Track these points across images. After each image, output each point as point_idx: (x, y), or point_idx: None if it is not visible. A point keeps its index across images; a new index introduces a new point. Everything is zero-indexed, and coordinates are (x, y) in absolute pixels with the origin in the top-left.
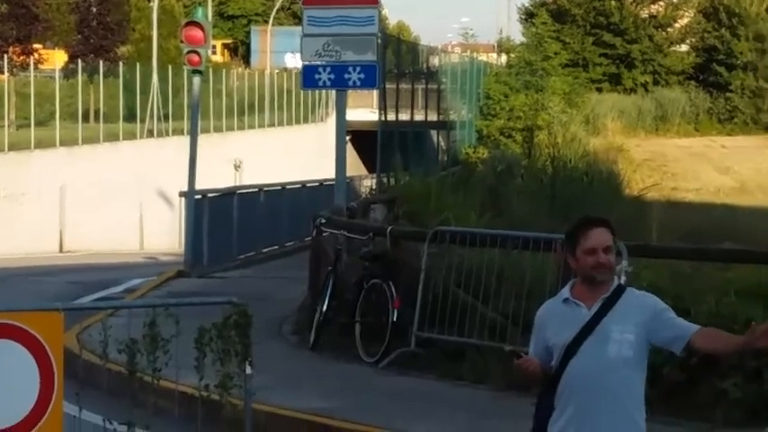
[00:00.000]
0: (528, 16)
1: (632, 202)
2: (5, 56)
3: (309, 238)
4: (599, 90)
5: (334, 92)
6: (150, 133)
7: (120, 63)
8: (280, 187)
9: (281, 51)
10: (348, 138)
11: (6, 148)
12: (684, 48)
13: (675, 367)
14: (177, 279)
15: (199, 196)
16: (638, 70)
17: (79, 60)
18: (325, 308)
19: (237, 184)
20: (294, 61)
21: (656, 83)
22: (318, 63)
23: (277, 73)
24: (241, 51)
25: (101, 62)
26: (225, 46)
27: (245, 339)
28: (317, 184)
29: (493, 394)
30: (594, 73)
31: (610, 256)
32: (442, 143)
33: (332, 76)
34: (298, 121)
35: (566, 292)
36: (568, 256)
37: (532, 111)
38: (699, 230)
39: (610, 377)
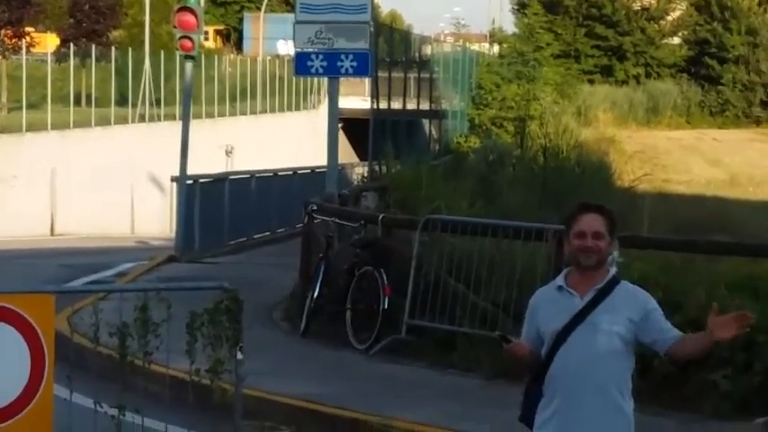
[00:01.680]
0: (520, 7)
1: (623, 194)
2: None
3: (301, 225)
4: (591, 82)
5: (326, 79)
6: (142, 118)
7: (113, 48)
8: (271, 174)
9: (273, 38)
10: (340, 125)
11: None
12: (676, 41)
13: (666, 360)
14: (168, 264)
15: (190, 181)
16: (630, 62)
17: (71, 44)
18: (316, 295)
19: (229, 169)
20: (286, 48)
21: (647, 75)
22: (311, 50)
23: (269, 60)
24: (233, 38)
25: (93, 46)
26: (217, 32)
27: (236, 325)
28: (308, 170)
29: (482, 382)
30: (586, 64)
31: (599, 242)
32: (434, 132)
33: (324, 64)
34: (290, 108)
35: (560, 279)
36: (564, 242)
37: (524, 101)
38: (690, 222)
39: (598, 367)
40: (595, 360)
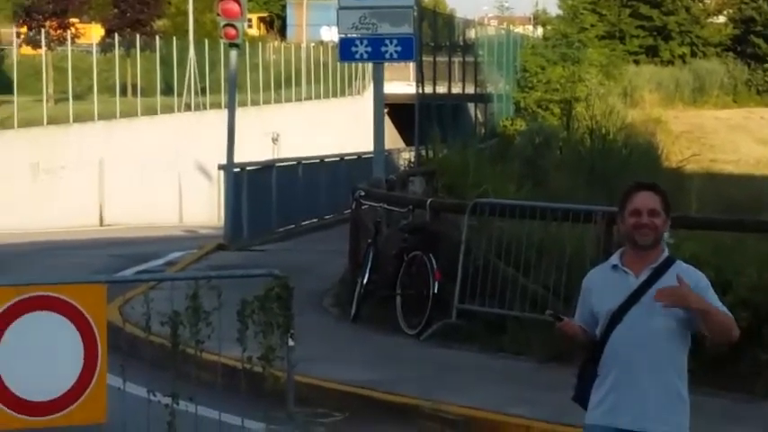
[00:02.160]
0: None
1: (671, 174)
2: (43, 30)
3: (348, 211)
4: (636, 62)
5: (370, 65)
6: (188, 107)
7: (157, 37)
8: (318, 160)
9: (316, 25)
10: (385, 111)
11: (45, 122)
12: (722, 19)
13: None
14: (217, 252)
15: (237, 169)
16: (676, 42)
17: (116, 34)
18: (365, 280)
19: (275, 157)
20: (330, 34)
21: (693, 54)
22: (355, 36)
23: (313, 46)
24: (277, 25)
25: (137, 36)
26: (261, 19)
27: (287, 311)
28: (354, 157)
29: (534, 365)
30: (631, 45)
31: (655, 219)
32: (480, 116)
33: (369, 49)
34: (335, 95)
35: (615, 258)
36: (619, 222)
37: (569, 83)
38: (739, 202)
39: (653, 346)
40: (651, 340)
